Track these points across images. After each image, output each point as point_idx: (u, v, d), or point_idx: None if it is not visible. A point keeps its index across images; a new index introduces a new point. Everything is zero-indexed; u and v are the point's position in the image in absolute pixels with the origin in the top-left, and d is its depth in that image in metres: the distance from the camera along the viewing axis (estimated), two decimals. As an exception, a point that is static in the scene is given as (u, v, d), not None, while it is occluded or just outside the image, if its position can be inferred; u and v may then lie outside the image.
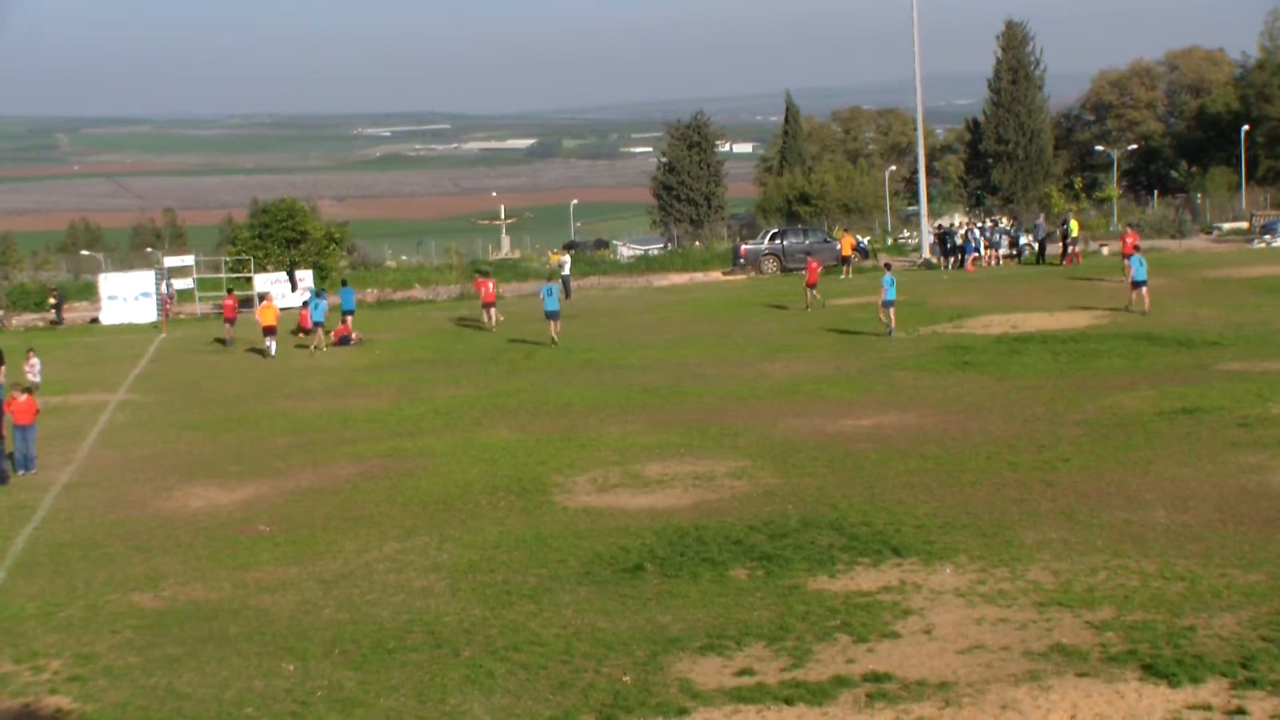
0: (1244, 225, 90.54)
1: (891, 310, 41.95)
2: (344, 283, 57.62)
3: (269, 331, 47.30)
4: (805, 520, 19.73)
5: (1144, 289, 42.96)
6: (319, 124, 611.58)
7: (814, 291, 51.78)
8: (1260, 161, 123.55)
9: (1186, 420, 25.51)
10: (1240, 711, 12.10)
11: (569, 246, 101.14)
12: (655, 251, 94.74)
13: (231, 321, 52.58)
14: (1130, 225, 66.11)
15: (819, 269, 54.06)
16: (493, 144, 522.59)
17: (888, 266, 45.77)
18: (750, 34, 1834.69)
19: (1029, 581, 16.25)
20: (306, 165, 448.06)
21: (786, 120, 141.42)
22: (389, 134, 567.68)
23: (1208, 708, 12.23)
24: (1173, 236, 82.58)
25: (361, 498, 23.26)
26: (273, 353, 46.88)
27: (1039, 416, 27.16)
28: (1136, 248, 49.75)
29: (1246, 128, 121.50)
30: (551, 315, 45.48)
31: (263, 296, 53.91)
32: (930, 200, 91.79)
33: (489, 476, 24.28)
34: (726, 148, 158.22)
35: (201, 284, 71.22)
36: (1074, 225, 67.67)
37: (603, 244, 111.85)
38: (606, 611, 16.12)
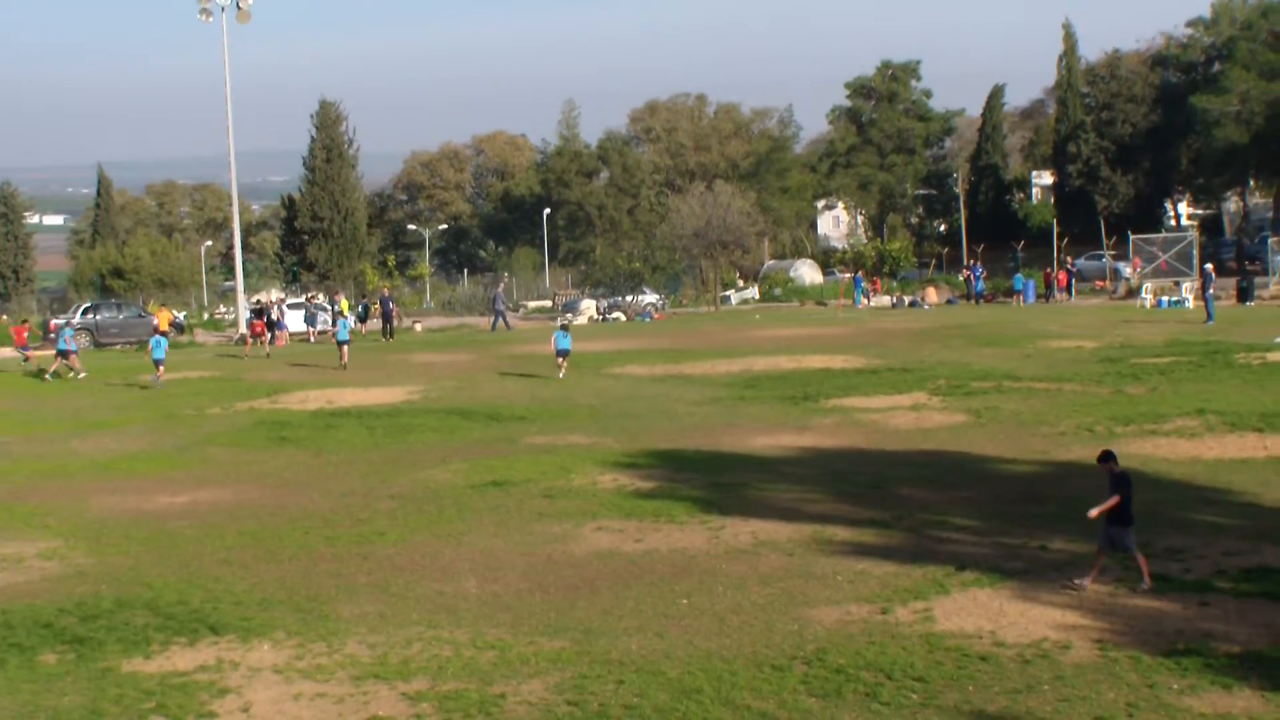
0: (548, 303, 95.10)
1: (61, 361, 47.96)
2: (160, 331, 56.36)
3: None
4: (119, 601, 19.15)
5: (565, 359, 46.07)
6: None
7: (25, 352, 55.79)
8: (561, 243, 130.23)
9: (496, 492, 26.43)
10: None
11: None
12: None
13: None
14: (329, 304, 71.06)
15: (25, 331, 59.57)
16: None
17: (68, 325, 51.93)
18: (60, 103, 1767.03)
19: (346, 655, 16.40)
20: None
21: (99, 193, 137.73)
22: None
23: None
24: (482, 314, 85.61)
25: None
26: None
27: (355, 490, 27.45)
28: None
29: (548, 211, 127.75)
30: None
31: None
32: (247, 276, 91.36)
33: None
34: (36, 219, 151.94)
35: None
36: (345, 304, 70.32)
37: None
38: (-102, 708, 15.12)
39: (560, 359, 46.01)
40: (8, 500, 27.75)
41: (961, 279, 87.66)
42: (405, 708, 14.52)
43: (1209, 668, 14.70)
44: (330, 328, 69.57)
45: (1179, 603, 17.20)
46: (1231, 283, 72.04)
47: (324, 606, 18.63)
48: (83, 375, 52.00)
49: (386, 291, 76.99)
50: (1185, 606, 17.04)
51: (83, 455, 33.72)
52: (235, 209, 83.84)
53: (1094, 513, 17.93)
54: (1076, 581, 17.89)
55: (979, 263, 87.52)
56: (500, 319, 73.08)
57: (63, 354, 52.18)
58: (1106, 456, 18.58)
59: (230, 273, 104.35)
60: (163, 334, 54.12)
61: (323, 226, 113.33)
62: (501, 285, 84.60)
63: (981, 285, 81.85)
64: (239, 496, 27.35)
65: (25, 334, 59.55)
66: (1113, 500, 17.84)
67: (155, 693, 15.26)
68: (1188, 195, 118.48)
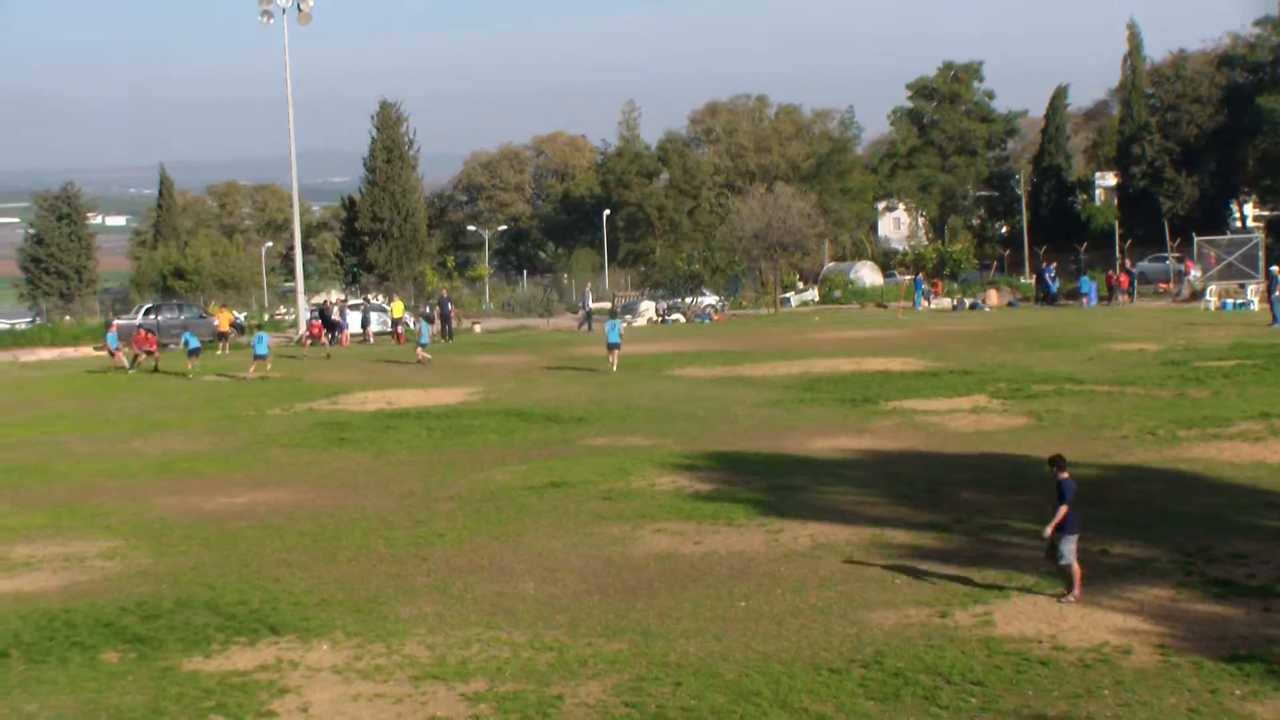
0: (608, 305, 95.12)
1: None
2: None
3: None
4: (180, 600, 19.30)
5: (616, 351, 48.03)
6: None
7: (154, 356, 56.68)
8: (621, 244, 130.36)
9: (555, 494, 26.47)
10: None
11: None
12: (23, 326, 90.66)
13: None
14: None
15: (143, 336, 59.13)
16: None
17: None
18: (123, 104, 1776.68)
19: (404, 656, 16.47)
20: None
21: (160, 193, 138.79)
22: None
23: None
24: (541, 315, 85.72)
25: None
26: None
27: (414, 492, 27.56)
28: None
29: (607, 212, 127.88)
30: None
31: None
32: (307, 277, 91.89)
33: None
34: (98, 220, 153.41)
35: None
36: (396, 307, 70.77)
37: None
38: (-35, 705, 15.28)
39: (611, 352, 46.71)
40: (70, 500, 28.01)
41: (1032, 280, 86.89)
42: (463, 709, 14.57)
43: (1272, 674, 14.56)
44: (389, 329, 70.19)
45: (1242, 608, 17.06)
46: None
47: (383, 607, 18.71)
48: (131, 368, 54.75)
49: (445, 293, 77.20)
50: (1248, 612, 16.89)
51: (144, 455, 33.99)
52: (296, 210, 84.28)
53: (1048, 530, 17.74)
54: (1068, 597, 17.71)
55: (1050, 264, 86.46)
56: (587, 320, 73.72)
57: (195, 352, 53.91)
58: (1056, 461, 18.36)
59: (290, 274, 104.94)
60: (260, 330, 56.96)
61: (383, 228, 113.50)
62: (589, 286, 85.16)
63: (1055, 286, 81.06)
64: (298, 497, 27.51)
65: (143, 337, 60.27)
66: (1061, 512, 17.64)
67: (215, 692, 15.37)
68: (1254, 197, 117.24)
